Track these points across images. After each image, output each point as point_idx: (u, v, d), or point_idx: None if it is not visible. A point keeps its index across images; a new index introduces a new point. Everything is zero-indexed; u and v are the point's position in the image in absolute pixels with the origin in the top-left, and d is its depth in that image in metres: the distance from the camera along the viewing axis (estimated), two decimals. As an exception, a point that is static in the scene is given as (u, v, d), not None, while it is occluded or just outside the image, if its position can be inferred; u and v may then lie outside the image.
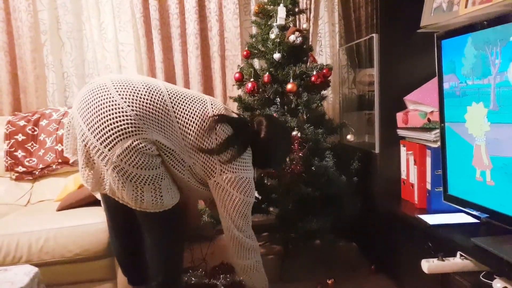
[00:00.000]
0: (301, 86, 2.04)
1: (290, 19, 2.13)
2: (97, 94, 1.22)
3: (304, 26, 2.21)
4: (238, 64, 2.47)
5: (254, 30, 2.45)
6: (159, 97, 1.27)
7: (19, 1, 2.54)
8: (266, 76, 2.04)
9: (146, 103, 1.23)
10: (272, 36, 2.05)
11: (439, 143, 1.66)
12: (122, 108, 1.20)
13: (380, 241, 2.01)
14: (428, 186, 1.78)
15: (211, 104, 1.38)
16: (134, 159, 1.20)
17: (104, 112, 1.19)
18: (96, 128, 1.19)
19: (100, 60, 2.67)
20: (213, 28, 2.67)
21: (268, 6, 2.13)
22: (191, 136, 1.30)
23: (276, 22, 2.05)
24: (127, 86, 1.25)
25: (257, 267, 1.49)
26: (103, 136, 1.19)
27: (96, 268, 1.79)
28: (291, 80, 2.01)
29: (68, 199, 2.00)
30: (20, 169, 2.33)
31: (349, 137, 2.17)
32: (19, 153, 2.34)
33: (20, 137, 2.36)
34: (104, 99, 1.21)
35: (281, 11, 2.02)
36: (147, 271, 1.43)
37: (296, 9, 2.17)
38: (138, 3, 2.58)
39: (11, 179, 2.35)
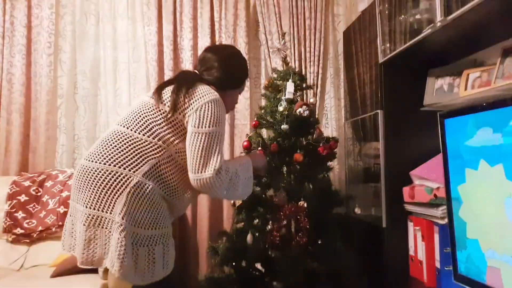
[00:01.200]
0: (308, 156, 2.08)
1: (298, 93, 2.23)
2: (80, 176, 1.30)
3: (311, 100, 2.31)
4: (247, 133, 2.54)
5: (263, 102, 2.56)
6: (116, 135, 1.33)
7: (41, 67, 2.69)
8: (273, 145, 2.09)
9: (113, 149, 1.30)
10: (281, 108, 2.14)
11: (446, 220, 1.64)
12: (101, 170, 1.26)
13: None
14: (437, 264, 1.72)
15: (147, 96, 1.44)
16: (136, 211, 1.23)
17: (91, 184, 1.26)
18: (92, 200, 1.25)
19: (111, 124, 2.74)
20: (224, 99, 2.78)
21: (278, 81, 2.24)
22: (159, 126, 1.33)
23: (284, 96, 2.15)
24: (94, 151, 1.33)
25: (241, 182, 1.42)
26: (99, 202, 1.24)
27: None
28: (298, 151, 2.05)
29: (64, 265, 1.94)
30: (18, 231, 2.28)
31: (356, 209, 2.16)
32: (19, 214, 2.31)
33: (23, 197, 2.35)
34: (85, 174, 1.28)
35: (290, 86, 2.13)
36: None
37: (304, 85, 2.29)
38: (153, 72, 2.73)
39: (7, 241, 2.29)
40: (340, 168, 2.77)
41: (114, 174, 1.26)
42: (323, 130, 2.77)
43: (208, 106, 1.32)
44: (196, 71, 1.51)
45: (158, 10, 2.76)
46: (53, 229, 2.29)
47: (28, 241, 2.30)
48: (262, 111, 2.26)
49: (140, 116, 1.36)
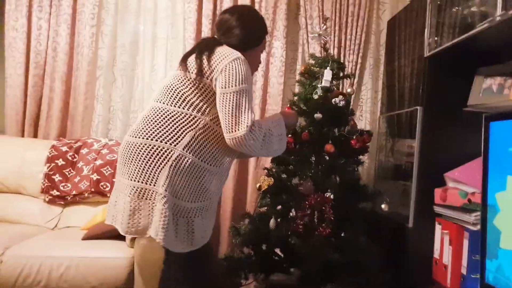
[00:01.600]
0: (339, 148, 2.04)
1: (334, 82, 2.18)
2: (125, 151, 1.38)
3: (349, 90, 2.25)
4: (277, 118, 2.51)
5: (297, 88, 2.52)
6: (156, 112, 1.38)
7: (83, 38, 2.76)
8: (304, 134, 2.07)
9: (153, 124, 1.36)
10: (316, 96, 2.10)
11: (479, 227, 1.58)
12: (144, 144, 1.33)
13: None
14: (464, 271, 1.67)
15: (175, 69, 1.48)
16: (177, 184, 1.29)
17: (136, 158, 1.33)
18: (137, 173, 1.32)
19: (146, 99, 2.80)
20: (258, 82, 2.77)
21: (315, 68, 2.20)
22: (191, 96, 1.37)
23: (321, 83, 2.10)
24: (137, 128, 1.39)
25: (274, 139, 1.44)
26: (143, 175, 1.31)
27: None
28: (329, 141, 2.01)
29: (94, 230, 2.02)
30: (55, 192, 2.40)
31: (383, 206, 2.11)
32: (57, 177, 2.42)
33: (60, 161, 2.45)
34: (130, 149, 1.36)
35: (327, 74, 2.08)
36: None
37: (342, 74, 2.23)
38: (190, 50, 2.73)
39: (44, 201, 2.42)
40: (370, 162, 2.71)
41: (157, 148, 1.32)
42: (357, 122, 2.71)
43: (232, 65, 1.35)
44: (215, 37, 1.52)
45: (200, -13, 2.74)
46: (86, 195, 2.39)
47: (62, 203, 2.42)
48: (296, 97, 2.23)
49: (172, 89, 1.40)
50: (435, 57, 1.89)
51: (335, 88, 2.16)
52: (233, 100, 1.32)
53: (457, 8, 1.72)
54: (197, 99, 1.37)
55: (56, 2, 2.74)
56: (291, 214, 2.05)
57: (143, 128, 1.37)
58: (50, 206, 2.40)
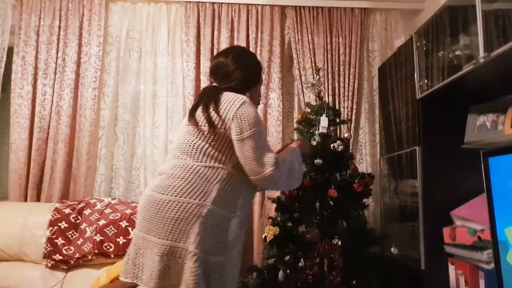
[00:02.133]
0: (342, 193, 2.04)
1: (331, 128, 2.23)
2: (150, 207, 1.35)
3: (346, 135, 2.30)
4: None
5: (295, 136, 2.57)
6: (181, 168, 1.38)
7: (86, 100, 2.85)
8: (306, 180, 2.07)
9: (180, 180, 1.35)
10: (314, 143, 2.13)
11: (492, 265, 1.54)
12: (173, 201, 1.32)
13: None
14: (484, 313, 1.60)
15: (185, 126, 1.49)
16: (207, 239, 1.29)
17: (165, 216, 1.31)
18: (166, 231, 1.30)
19: (148, 156, 2.84)
20: (256, 132, 2.81)
21: (311, 116, 2.26)
22: (210, 148, 1.38)
23: (318, 130, 2.15)
24: (163, 183, 1.37)
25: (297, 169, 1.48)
26: (174, 233, 1.29)
27: None
28: (331, 186, 2.02)
29: (99, 293, 1.96)
30: (57, 257, 2.34)
31: (392, 249, 2.07)
32: (59, 241, 2.38)
33: (63, 224, 2.43)
34: (156, 206, 1.34)
35: (324, 121, 2.13)
36: None
37: (338, 120, 2.29)
38: (190, 106, 2.81)
39: (47, 266, 2.35)
40: (375, 205, 2.69)
41: (186, 205, 1.31)
42: (358, 166, 2.73)
43: (241, 111, 1.37)
44: (215, 84, 1.52)
45: (197, 47, 2.88)
46: (89, 257, 2.33)
47: (65, 267, 2.35)
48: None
49: (190, 144, 1.40)
50: (427, 98, 1.95)
51: (332, 134, 2.21)
52: (251, 144, 1.35)
53: (442, 52, 1.81)
54: (215, 151, 1.38)
55: (61, 69, 2.87)
56: (299, 264, 2.01)
57: (170, 185, 1.35)
58: (52, 271, 2.33)
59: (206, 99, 1.43)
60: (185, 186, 1.34)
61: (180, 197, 1.32)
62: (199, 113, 1.42)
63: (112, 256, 2.32)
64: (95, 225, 2.39)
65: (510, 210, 1.40)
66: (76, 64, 2.87)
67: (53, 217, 2.43)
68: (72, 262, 2.34)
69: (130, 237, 2.34)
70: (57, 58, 2.87)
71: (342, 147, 2.11)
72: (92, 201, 2.55)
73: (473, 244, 1.68)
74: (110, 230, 2.36)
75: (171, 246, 1.29)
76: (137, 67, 2.97)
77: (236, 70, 1.50)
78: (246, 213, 1.47)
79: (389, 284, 1.94)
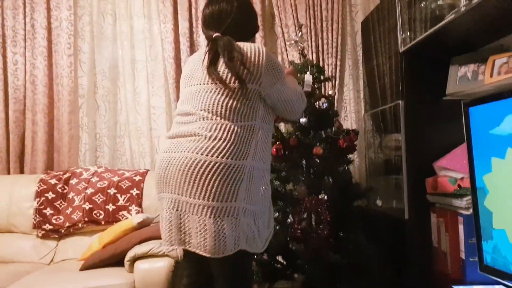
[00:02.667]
0: (328, 150, 2.07)
1: (316, 86, 2.22)
2: (189, 168, 1.29)
3: (330, 92, 2.30)
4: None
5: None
6: (221, 129, 1.33)
7: (62, 68, 2.76)
8: (292, 140, 2.09)
9: (220, 141, 1.31)
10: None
11: (471, 210, 1.61)
12: (216, 162, 1.29)
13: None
14: (462, 255, 1.69)
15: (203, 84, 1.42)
16: (253, 193, 1.33)
17: (211, 177, 1.28)
18: (215, 193, 1.28)
19: (132, 122, 2.80)
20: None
21: (295, 74, 2.23)
22: (238, 107, 1.35)
23: (303, 88, 2.13)
24: (203, 144, 1.31)
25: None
26: (224, 194, 1.28)
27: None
28: (317, 144, 2.04)
29: (92, 259, 1.99)
30: (47, 226, 2.36)
31: (378, 202, 2.14)
32: (48, 211, 2.38)
33: (50, 195, 2.42)
34: (196, 167, 1.29)
35: (308, 78, 2.11)
36: None
37: (322, 77, 2.27)
38: (171, 70, 2.76)
39: (37, 236, 2.37)
40: (360, 160, 2.74)
41: (233, 167, 1.30)
42: (343, 123, 2.75)
43: (269, 62, 1.36)
44: (219, 34, 1.39)
45: (174, 7, 2.77)
46: (80, 225, 2.35)
47: (56, 236, 2.37)
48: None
49: (220, 105, 1.33)
50: (410, 51, 1.94)
51: (317, 92, 2.20)
52: (288, 88, 1.43)
53: (425, 2, 1.79)
54: (247, 109, 1.35)
55: (30, 35, 2.74)
56: (288, 220, 2.06)
57: (214, 146, 1.30)
58: (43, 241, 2.36)
59: (227, 52, 1.32)
60: (229, 147, 1.30)
61: (226, 158, 1.29)
62: (223, 68, 1.33)
63: (102, 223, 2.34)
64: (83, 194, 2.39)
65: (488, 158, 1.45)
66: (46, 30, 2.74)
67: (39, 188, 2.42)
68: (63, 231, 2.35)
69: (119, 203, 2.35)
70: (25, 24, 2.74)
71: (326, 104, 2.11)
72: (78, 171, 2.53)
73: (454, 192, 1.75)
74: (99, 198, 2.36)
75: (223, 207, 1.28)
76: (113, 31, 2.85)
77: (242, 18, 1.42)
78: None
79: (374, 234, 2.02)
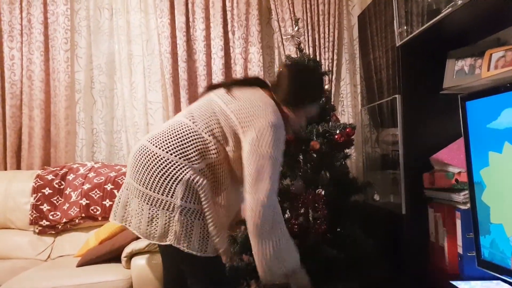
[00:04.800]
0: (324, 144, 2.06)
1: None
2: (140, 156, 1.36)
3: (326, 87, 2.28)
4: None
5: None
6: (183, 128, 1.37)
7: (58, 63, 2.74)
8: (289, 135, 2.07)
9: (177, 140, 1.35)
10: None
11: (468, 205, 1.61)
12: (162, 157, 1.33)
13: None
14: (460, 250, 1.69)
15: (215, 95, 1.44)
16: (195, 196, 1.31)
17: (152, 168, 1.32)
18: (153, 183, 1.32)
19: (128, 117, 2.79)
20: (237, 89, 2.77)
21: (292, 69, 2.21)
22: (218, 131, 1.35)
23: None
24: (158, 136, 1.38)
25: (284, 244, 1.34)
26: (161, 186, 1.31)
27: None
28: (314, 139, 2.03)
29: (89, 255, 1.99)
30: (44, 222, 2.35)
31: (375, 196, 2.14)
32: (44, 207, 2.38)
33: (47, 190, 2.41)
34: (146, 157, 1.35)
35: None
36: None
37: (319, 72, 2.25)
38: (168, 64, 2.74)
39: (34, 232, 2.37)
40: (357, 155, 2.73)
41: (174, 163, 1.32)
42: (340, 117, 2.74)
43: (266, 131, 1.31)
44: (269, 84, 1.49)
45: (170, 1, 2.75)
46: (77, 221, 2.35)
47: (53, 232, 2.37)
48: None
49: (206, 115, 1.37)
50: (407, 45, 1.93)
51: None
52: (267, 164, 1.35)
53: (422, -4, 1.77)
54: (226, 138, 1.36)
55: (27, 30, 2.72)
56: (286, 215, 2.06)
57: (165, 140, 1.35)
58: (40, 237, 2.35)
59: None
60: (179, 146, 1.33)
61: (171, 154, 1.33)
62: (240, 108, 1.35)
63: (99, 219, 2.34)
64: (79, 190, 2.38)
65: (486, 152, 1.45)
66: (43, 25, 2.72)
67: (36, 184, 2.41)
68: (59, 227, 2.35)
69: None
70: (21, 18, 2.72)
71: (323, 99, 2.09)
72: (74, 166, 2.52)
73: (451, 187, 1.74)
74: (96, 194, 2.36)
75: (158, 198, 1.31)
76: (109, 25, 2.83)
77: (288, 82, 1.44)
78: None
79: (372, 229, 2.01)
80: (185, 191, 1.31)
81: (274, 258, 1.32)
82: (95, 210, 2.34)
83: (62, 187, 2.44)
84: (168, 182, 1.31)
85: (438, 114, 1.91)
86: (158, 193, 1.31)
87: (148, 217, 1.33)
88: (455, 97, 1.61)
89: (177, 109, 2.75)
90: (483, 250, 1.50)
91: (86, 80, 2.81)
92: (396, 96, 1.99)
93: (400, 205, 1.98)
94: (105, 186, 2.37)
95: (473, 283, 1.56)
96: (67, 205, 2.38)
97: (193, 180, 1.31)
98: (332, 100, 2.71)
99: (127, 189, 1.41)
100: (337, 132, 2.03)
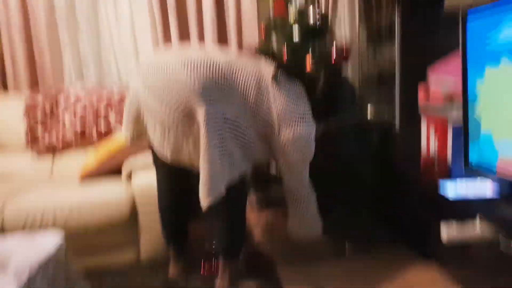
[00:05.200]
0: (320, 64, 2.03)
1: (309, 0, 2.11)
2: (166, 73, 1.33)
3: (323, 6, 2.19)
4: (255, 46, 2.46)
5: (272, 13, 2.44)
6: (217, 69, 1.34)
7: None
8: (284, 55, 2.03)
9: (208, 77, 1.32)
10: (291, 18, 2.04)
11: (461, 119, 1.66)
12: (189, 85, 1.29)
13: (399, 214, 2.02)
14: (449, 158, 1.77)
15: (264, 64, 1.47)
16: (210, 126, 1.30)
17: (176, 91, 1.30)
18: (173, 105, 1.30)
19: (115, 35, 2.68)
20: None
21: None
22: (251, 97, 1.37)
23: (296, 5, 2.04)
24: (190, 63, 1.33)
25: (311, 215, 1.59)
26: (181, 111, 1.30)
27: (119, 235, 1.83)
28: (310, 59, 1.99)
29: (90, 173, 2.02)
30: (41, 144, 2.35)
31: (369, 112, 2.17)
32: (39, 129, 2.35)
33: (39, 113, 2.37)
34: (173, 78, 1.31)
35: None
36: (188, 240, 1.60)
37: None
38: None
39: (32, 154, 2.36)
40: (353, 74, 2.71)
41: (200, 97, 1.30)
42: (336, 35, 2.68)
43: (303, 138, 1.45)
44: None
45: None
46: (73, 144, 2.34)
47: (51, 154, 2.37)
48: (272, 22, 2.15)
49: (245, 72, 1.40)
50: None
51: (310, 6, 2.10)
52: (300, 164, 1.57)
53: None
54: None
55: None
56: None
57: (199, 74, 1.32)
58: (39, 159, 2.36)
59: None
60: (208, 79, 1.33)
61: (198, 86, 1.32)
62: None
63: (96, 141, 2.34)
64: (73, 112, 2.35)
65: (483, 67, 1.46)
66: None
67: (27, 106, 2.36)
68: (57, 149, 2.35)
69: (111, 120, 2.33)
70: None
71: (320, 19, 2.03)
72: (65, 89, 2.46)
73: (445, 102, 1.78)
74: (89, 115, 2.33)
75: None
76: None
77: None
78: None
79: (365, 145, 2.07)
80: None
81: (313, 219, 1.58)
82: (90, 132, 2.33)
83: (54, 110, 2.39)
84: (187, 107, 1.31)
85: (438, 29, 1.88)
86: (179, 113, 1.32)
87: (163, 132, 1.38)
88: (456, 14, 1.57)
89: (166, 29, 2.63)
90: (471, 158, 1.59)
91: (67, 2, 2.63)
92: (395, 11, 1.93)
93: (394, 121, 2.03)
94: (99, 109, 2.34)
95: (458, 186, 1.66)
96: (61, 127, 2.35)
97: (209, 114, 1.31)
98: (330, 20, 2.62)
99: (132, 102, 1.42)
100: (334, 51, 1.99)
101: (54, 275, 1.21)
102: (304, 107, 1.45)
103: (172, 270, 1.73)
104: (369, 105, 2.23)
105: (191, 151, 1.36)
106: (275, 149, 1.45)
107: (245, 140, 1.39)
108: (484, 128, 1.50)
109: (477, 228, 1.42)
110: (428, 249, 1.79)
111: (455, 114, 1.72)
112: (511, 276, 1.24)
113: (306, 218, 1.57)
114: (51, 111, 2.39)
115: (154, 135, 1.43)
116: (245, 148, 1.41)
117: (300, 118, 1.41)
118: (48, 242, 1.27)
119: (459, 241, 1.45)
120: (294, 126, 1.39)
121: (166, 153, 1.42)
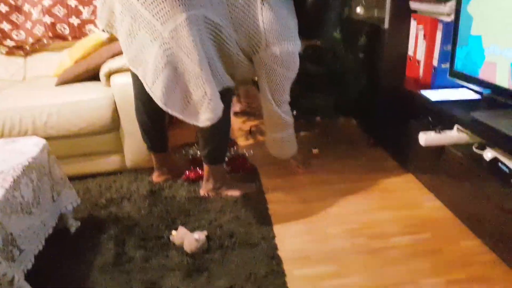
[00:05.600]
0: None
1: None
2: None
3: None
4: None
5: None
6: None
7: None
8: None
9: None
10: None
11: (452, 16, 1.57)
12: None
13: (382, 116, 2.05)
14: (435, 63, 1.74)
15: None
16: (183, 39, 1.22)
17: None
18: (151, 4, 1.21)
19: None
20: None
21: None
22: (238, 8, 1.29)
23: None
24: None
25: (288, 139, 1.60)
26: (158, 12, 1.21)
27: (102, 141, 1.81)
28: None
29: (66, 74, 1.95)
30: (9, 43, 2.21)
31: (358, 10, 2.03)
32: (5, 26, 2.19)
33: (2, 7, 2.18)
34: None
35: None
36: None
37: None
38: None
39: (1, 53, 2.25)
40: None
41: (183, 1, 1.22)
42: None
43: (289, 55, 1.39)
44: None
45: None
46: (45, 41, 2.22)
47: (22, 53, 2.26)
48: None
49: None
50: None
51: None
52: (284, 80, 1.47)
53: None
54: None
55: None
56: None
57: None
58: (10, 58, 2.24)
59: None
60: None
61: None
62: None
63: (69, 38, 2.21)
64: (39, 6, 2.16)
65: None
66: None
67: (-13, -1, 2.16)
68: (28, 48, 2.23)
69: (83, 17, 2.17)
70: None
71: None
72: (27, -21, 2.22)
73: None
74: (59, 11, 2.16)
75: (149, 20, 1.26)
76: None
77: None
78: None
79: (353, 43, 1.98)
80: (176, 27, 1.22)
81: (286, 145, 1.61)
82: (62, 29, 2.18)
83: (18, 2, 2.20)
84: (167, 11, 1.23)
85: None
86: (152, 16, 1.24)
87: (128, 31, 1.30)
88: None
89: None
90: (457, 61, 1.55)
91: None
92: None
93: (383, 18, 1.91)
94: (69, 3, 2.15)
95: (440, 91, 1.66)
96: (29, 23, 2.19)
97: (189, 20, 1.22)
98: None
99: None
100: None
101: (39, 181, 1.23)
102: (292, 24, 1.38)
103: (156, 177, 1.77)
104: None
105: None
106: (258, 66, 1.40)
107: (225, 47, 1.32)
108: (475, 31, 1.43)
109: (453, 133, 1.45)
110: (405, 157, 1.86)
111: (447, 10, 1.62)
112: (483, 180, 1.31)
113: (283, 142, 1.60)
114: (16, 6, 2.19)
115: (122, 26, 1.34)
116: (227, 57, 1.35)
117: (289, 35, 1.35)
118: (30, 147, 1.26)
119: (435, 146, 1.50)
120: (282, 43, 1.33)
121: (127, 54, 1.35)
